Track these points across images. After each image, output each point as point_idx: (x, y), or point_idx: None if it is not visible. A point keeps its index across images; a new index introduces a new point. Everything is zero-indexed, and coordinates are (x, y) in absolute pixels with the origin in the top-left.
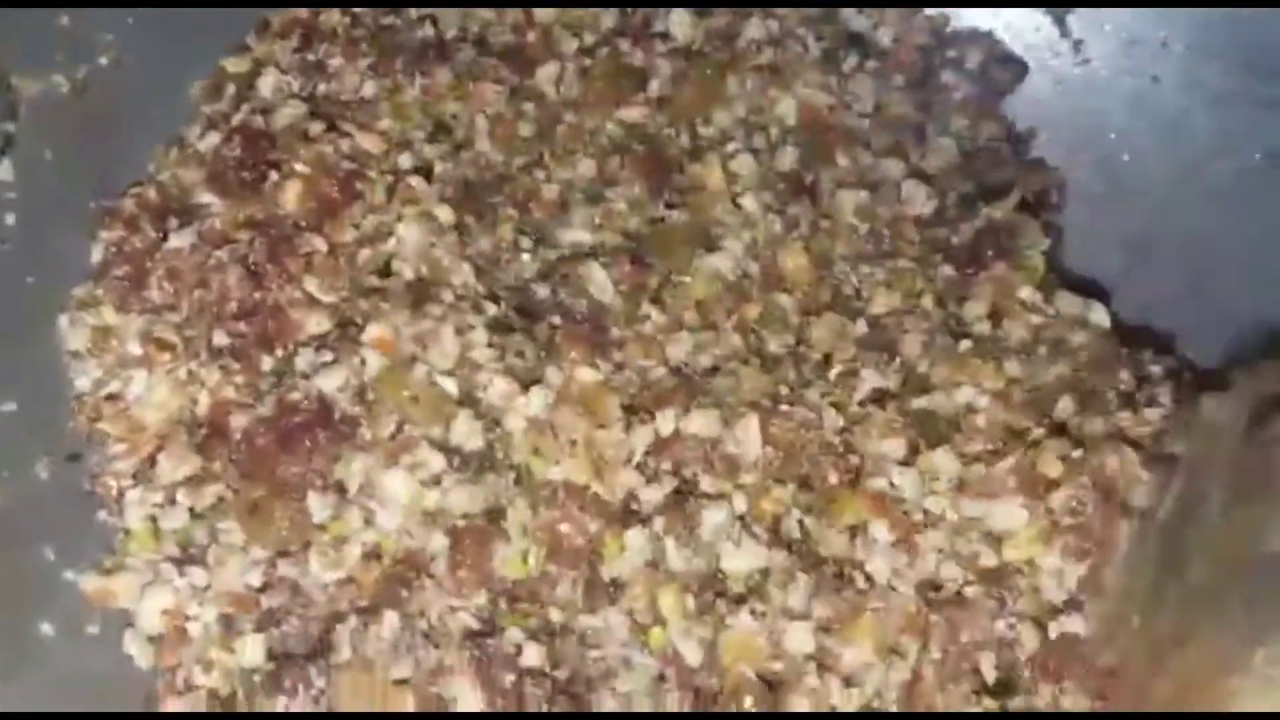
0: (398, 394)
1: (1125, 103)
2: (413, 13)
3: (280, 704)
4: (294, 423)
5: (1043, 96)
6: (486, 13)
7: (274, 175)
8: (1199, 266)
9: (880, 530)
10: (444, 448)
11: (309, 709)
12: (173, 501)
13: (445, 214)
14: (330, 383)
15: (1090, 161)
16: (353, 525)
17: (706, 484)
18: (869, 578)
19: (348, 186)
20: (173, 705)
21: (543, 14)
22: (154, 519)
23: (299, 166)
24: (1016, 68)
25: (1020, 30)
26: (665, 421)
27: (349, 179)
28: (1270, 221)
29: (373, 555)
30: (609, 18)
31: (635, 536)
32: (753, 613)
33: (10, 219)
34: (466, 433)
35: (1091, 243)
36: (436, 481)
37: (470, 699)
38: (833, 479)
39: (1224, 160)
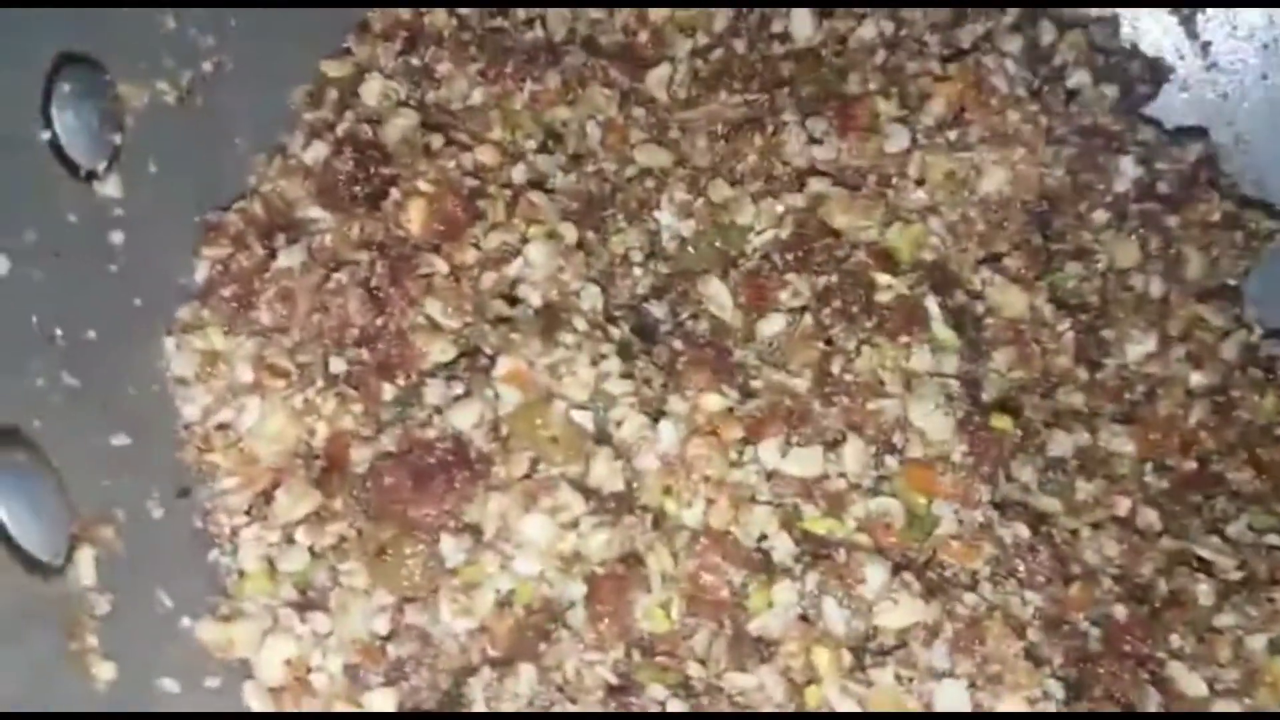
0: (534, 431)
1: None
2: (520, 14)
3: None
4: (427, 460)
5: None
6: (596, 12)
7: (394, 193)
8: None
9: None
10: (583, 488)
11: None
12: (290, 541)
13: (570, 233)
14: (465, 419)
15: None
16: (488, 570)
17: (811, 516)
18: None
19: (471, 205)
20: None
21: (655, 13)
22: (270, 560)
23: (422, 185)
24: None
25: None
26: (769, 451)
27: (472, 196)
28: None
29: (506, 603)
30: (722, 18)
31: (784, 592)
32: (898, 677)
33: (117, 237)
34: (606, 473)
35: None
36: (574, 524)
37: None
38: None
39: None
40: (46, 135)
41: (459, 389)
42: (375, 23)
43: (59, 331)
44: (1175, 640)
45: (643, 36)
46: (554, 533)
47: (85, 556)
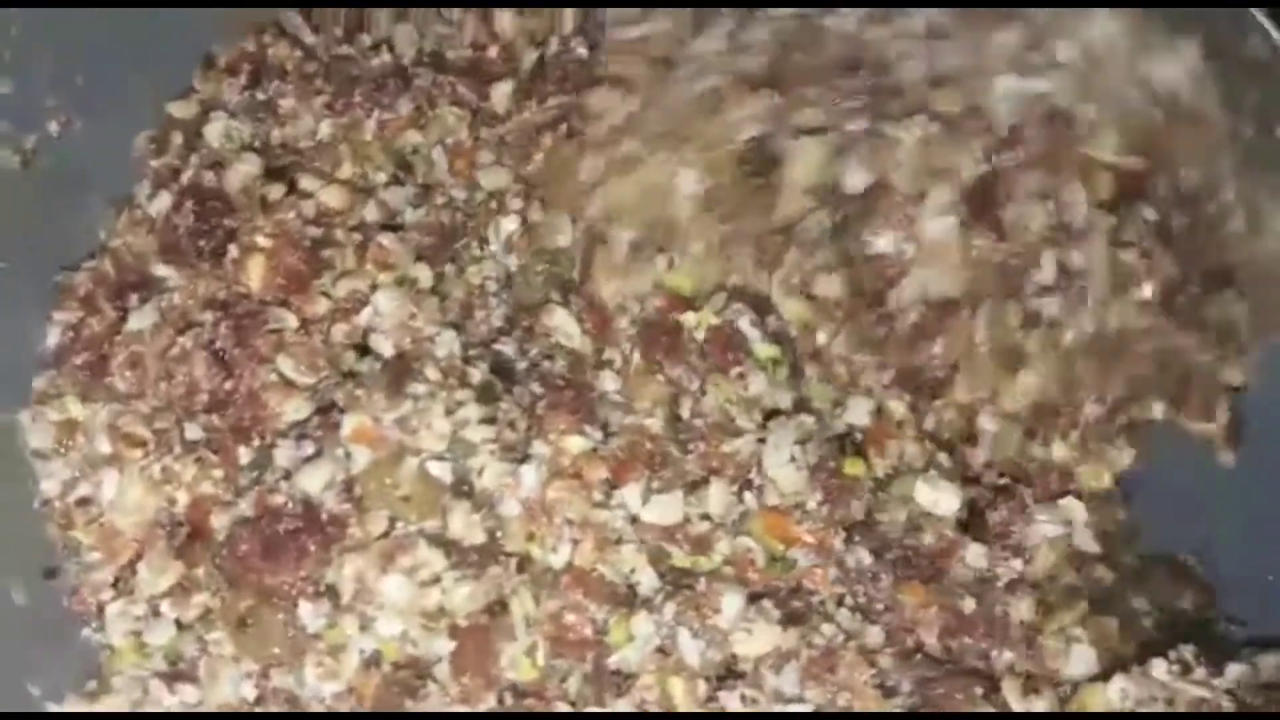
0: (386, 490)
1: None
2: (367, 39)
3: None
4: (277, 528)
5: None
6: (443, 28)
7: (233, 249)
8: None
9: None
10: (442, 542)
11: None
12: (156, 614)
13: (424, 274)
14: (314, 482)
15: None
16: (348, 633)
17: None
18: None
19: (314, 256)
20: None
21: (505, 24)
22: (137, 633)
23: (260, 240)
24: None
25: None
26: (632, 495)
27: (315, 248)
28: None
29: (372, 663)
30: (570, 20)
31: (642, 624)
32: (743, 698)
33: None
34: (464, 525)
35: None
36: (436, 580)
37: None
38: None
39: None
40: None
41: (309, 449)
42: (220, 57)
43: None
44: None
45: (492, 51)
46: (414, 591)
47: None
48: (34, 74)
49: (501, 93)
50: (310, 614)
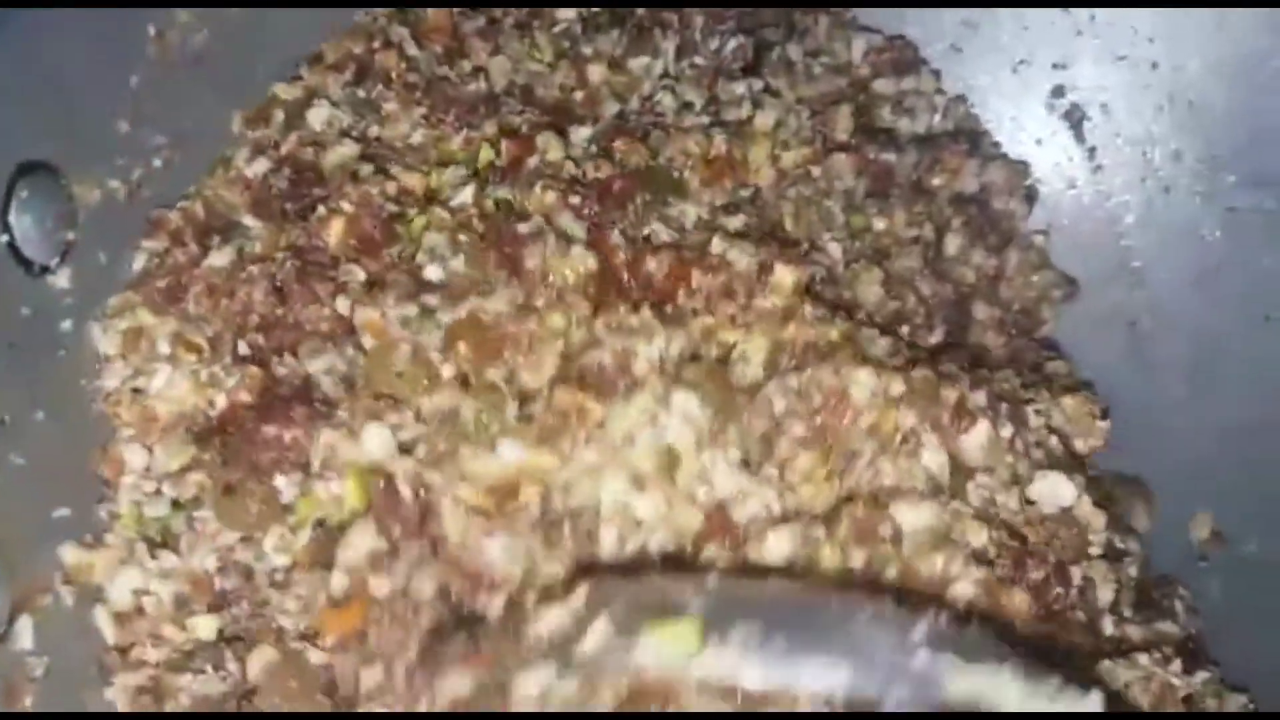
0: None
1: (1138, 210)
2: (467, 65)
3: (185, 681)
4: (275, 392)
5: (1057, 200)
6: (535, 65)
7: (320, 210)
8: (1205, 371)
9: None
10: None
11: (215, 689)
12: (159, 492)
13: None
14: (316, 365)
15: (1103, 267)
16: (320, 498)
17: None
18: None
19: (388, 227)
20: (121, 679)
21: (593, 73)
22: (139, 504)
23: (344, 205)
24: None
25: (1034, 134)
26: None
27: (390, 221)
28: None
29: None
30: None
31: None
32: None
33: (66, 325)
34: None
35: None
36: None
37: None
38: None
39: (1235, 269)
40: (4, 238)
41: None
42: (329, 53)
43: (7, 416)
44: None
45: (578, 95)
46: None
47: (25, 623)
48: (148, 117)
49: (580, 136)
50: (285, 485)
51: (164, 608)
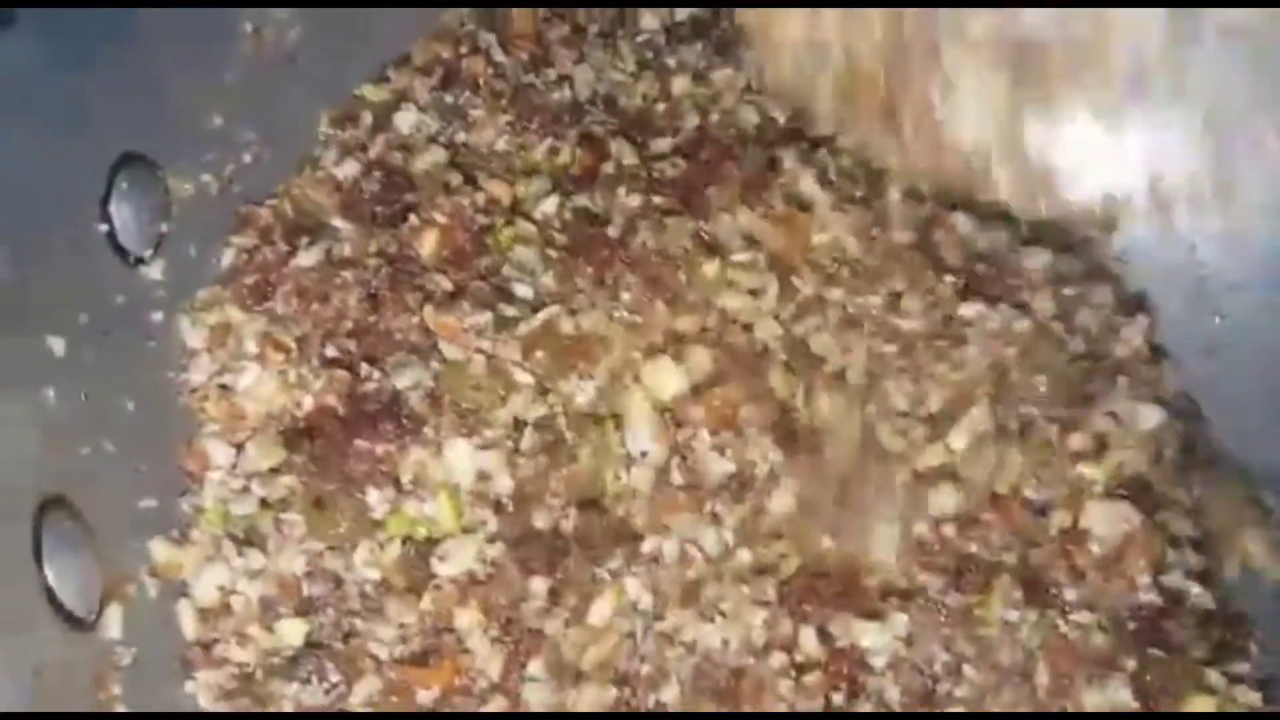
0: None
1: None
2: (552, 74)
3: (292, 690)
4: (362, 409)
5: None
6: (618, 75)
7: (413, 219)
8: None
9: None
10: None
11: (318, 699)
12: (246, 490)
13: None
14: (403, 380)
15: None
16: (410, 515)
17: None
18: None
19: (479, 239)
20: (203, 676)
21: (677, 86)
22: (225, 502)
23: (438, 216)
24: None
25: None
26: None
27: (481, 233)
28: None
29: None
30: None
31: None
32: None
33: (157, 316)
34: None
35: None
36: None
37: None
38: None
39: None
40: (104, 228)
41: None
42: (416, 56)
43: (95, 399)
44: None
45: (660, 106)
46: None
47: (114, 612)
48: (241, 113)
49: (660, 147)
50: (376, 499)
51: (251, 608)
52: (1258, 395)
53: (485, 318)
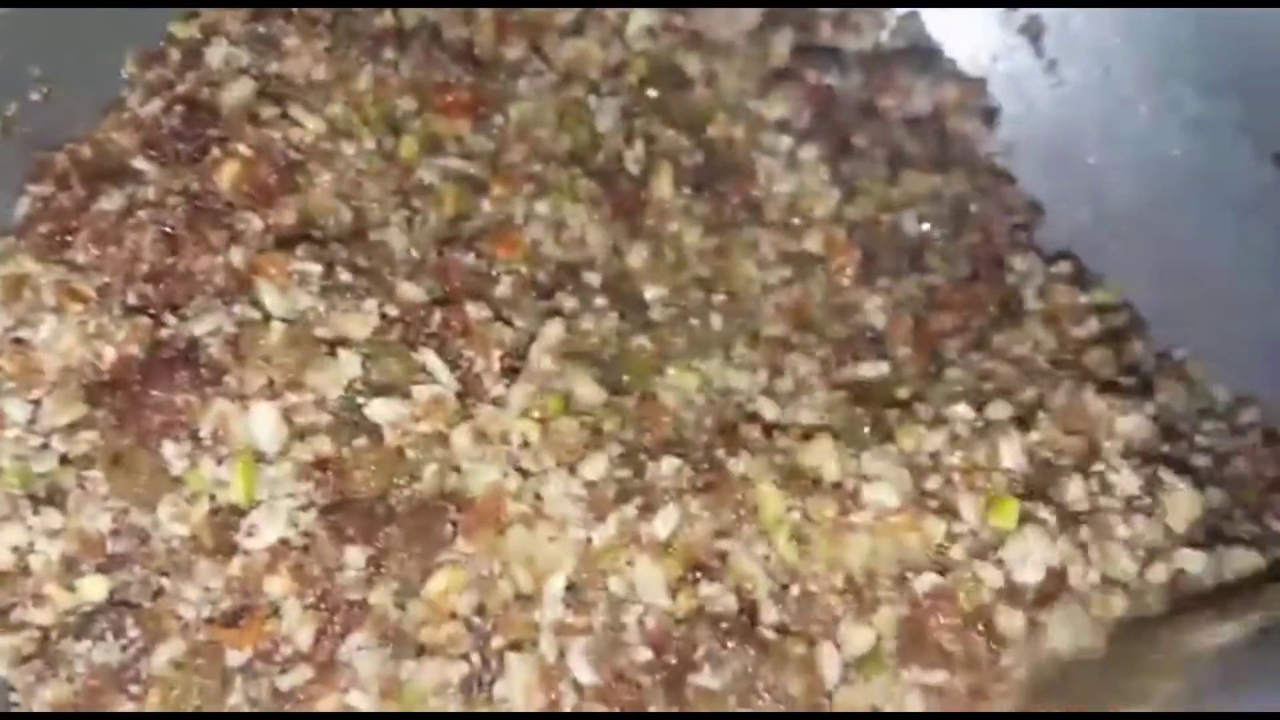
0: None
1: (1100, 125)
2: None
3: (84, 648)
4: (159, 356)
5: (1018, 117)
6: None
7: (215, 151)
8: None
9: None
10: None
11: (114, 658)
12: (46, 446)
13: None
14: (201, 326)
15: (1068, 184)
16: (205, 475)
17: None
18: None
19: (287, 176)
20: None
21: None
22: (24, 459)
23: (241, 148)
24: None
25: (994, 51)
26: None
27: (290, 169)
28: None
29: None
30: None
31: None
32: None
33: None
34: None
35: None
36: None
37: None
38: None
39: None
40: None
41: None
42: None
43: None
44: None
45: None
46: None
47: None
48: (20, 44)
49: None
50: (174, 453)
51: (52, 567)
52: None
53: (314, 269)
